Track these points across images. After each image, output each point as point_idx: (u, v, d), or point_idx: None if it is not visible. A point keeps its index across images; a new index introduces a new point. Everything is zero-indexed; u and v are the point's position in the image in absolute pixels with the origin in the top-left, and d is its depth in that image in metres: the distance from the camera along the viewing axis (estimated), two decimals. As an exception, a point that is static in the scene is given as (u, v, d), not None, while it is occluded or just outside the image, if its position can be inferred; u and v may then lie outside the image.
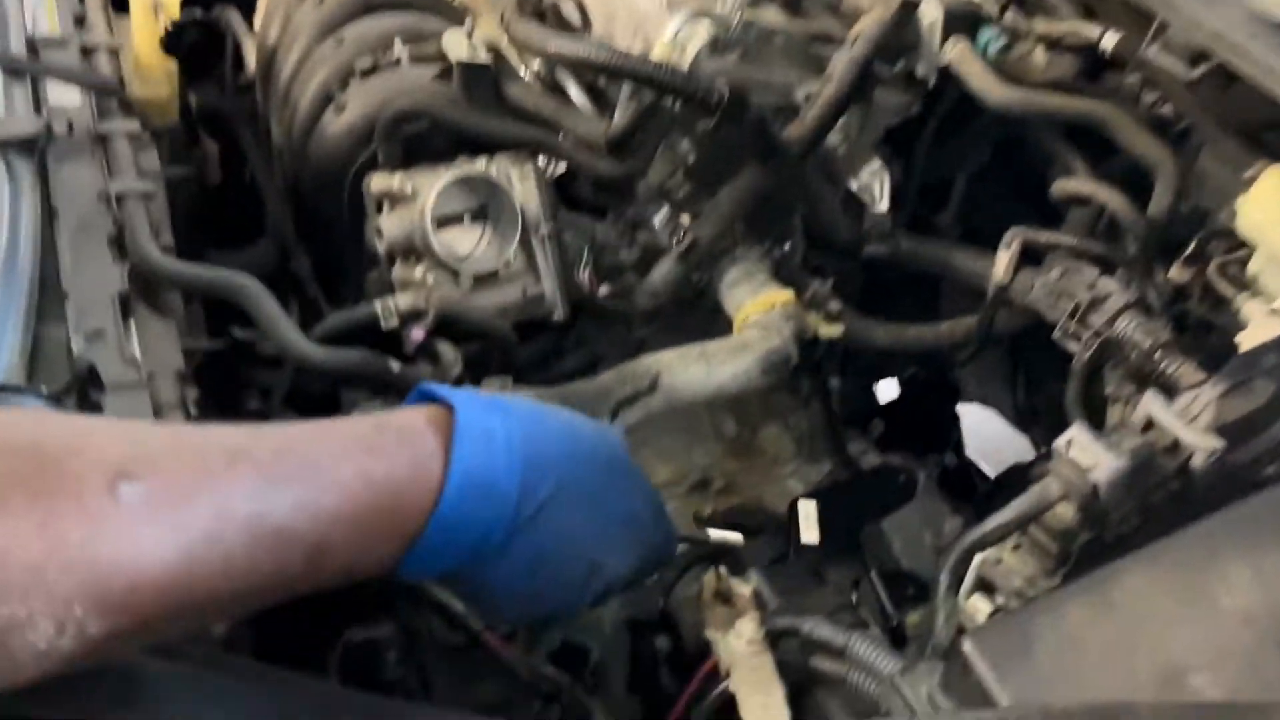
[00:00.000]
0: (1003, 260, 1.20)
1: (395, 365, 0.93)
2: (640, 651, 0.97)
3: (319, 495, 0.60)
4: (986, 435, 2.09)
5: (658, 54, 1.13)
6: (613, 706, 0.81)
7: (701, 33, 1.13)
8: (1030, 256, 1.22)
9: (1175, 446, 0.75)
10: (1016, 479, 1.69)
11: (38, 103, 1.08)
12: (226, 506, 0.56)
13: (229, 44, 1.55)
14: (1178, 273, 1.11)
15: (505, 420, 0.68)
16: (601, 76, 1.17)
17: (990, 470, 2.08)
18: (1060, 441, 0.72)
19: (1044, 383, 1.71)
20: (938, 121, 1.38)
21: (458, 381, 1.08)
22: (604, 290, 1.27)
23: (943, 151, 1.45)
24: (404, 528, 0.64)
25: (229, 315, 1.51)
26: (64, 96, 1.11)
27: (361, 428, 0.65)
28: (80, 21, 1.25)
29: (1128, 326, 1.09)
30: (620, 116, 1.13)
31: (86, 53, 1.20)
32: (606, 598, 0.76)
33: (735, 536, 1.18)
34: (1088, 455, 0.70)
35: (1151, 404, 0.76)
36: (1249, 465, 0.77)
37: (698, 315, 1.36)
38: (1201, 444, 0.73)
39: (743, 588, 0.78)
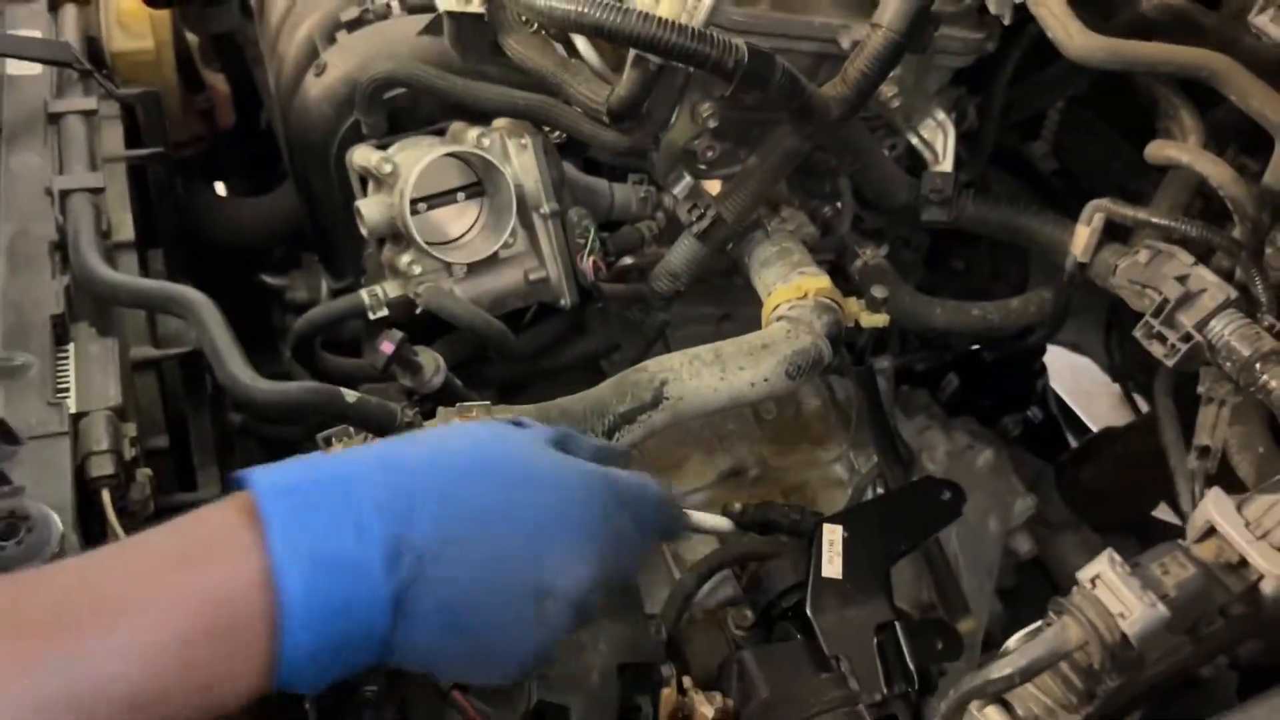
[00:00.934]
0: (1081, 237, 1.03)
1: (350, 396, 0.83)
2: (631, 702, 0.88)
3: (120, 645, 0.51)
4: (1073, 364, 1.90)
5: (666, 5, 0.96)
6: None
7: (720, -21, 0.96)
8: (1118, 230, 1.04)
9: (1242, 564, 0.60)
10: (1106, 446, 1.53)
11: (-9, 78, 0.99)
12: None
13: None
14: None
15: (336, 473, 0.58)
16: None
17: (1084, 413, 1.91)
18: (1085, 575, 0.57)
19: (1142, 341, 1.52)
20: (1020, 58, 1.18)
21: (442, 390, 0.98)
22: (625, 261, 1.14)
23: (1029, 86, 1.25)
24: (249, 644, 0.54)
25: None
26: (22, 67, 1.02)
27: (157, 549, 0.55)
28: (49, -30, 1.14)
29: (1224, 329, 0.92)
30: (624, 83, 0.97)
31: (54, 6, 1.10)
32: (586, 613, 0.65)
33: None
34: (1118, 599, 0.55)
35: (1215, 510, 0.60)
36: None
37: (730, 286, 1.23)
38: (1275, 569, 0.58)
39: (706, 707, 0.67)
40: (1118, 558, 0.57)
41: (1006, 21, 1.07)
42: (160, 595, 0.53)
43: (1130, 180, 1.24)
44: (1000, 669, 0.58)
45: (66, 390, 0.81)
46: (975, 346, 1.53)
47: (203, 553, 0.54)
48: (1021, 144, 1.44)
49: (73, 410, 0.80)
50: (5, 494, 0.69)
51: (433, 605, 0.58)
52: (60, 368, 0.83)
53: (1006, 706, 0.67)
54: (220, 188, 1.59)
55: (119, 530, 0.77)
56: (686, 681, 0.71)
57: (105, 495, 0.77)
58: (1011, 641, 0.62)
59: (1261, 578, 0.59)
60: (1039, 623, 0.63)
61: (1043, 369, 1.67)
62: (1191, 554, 0.59)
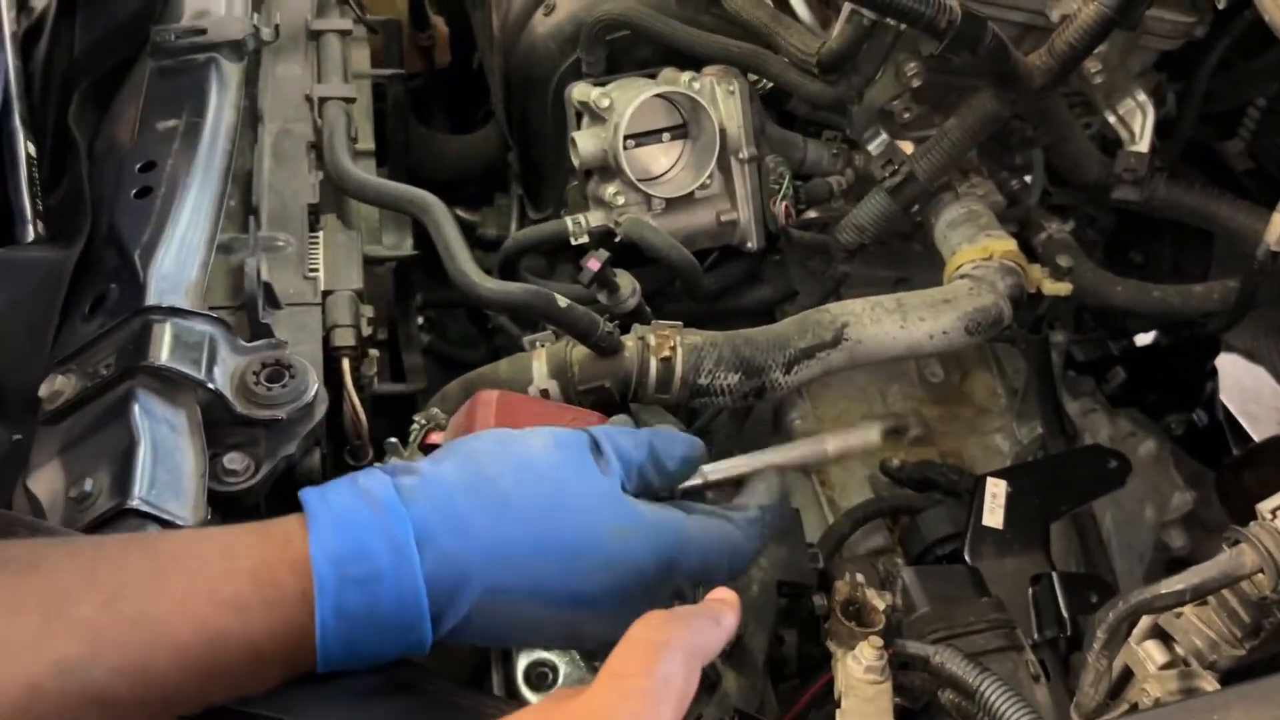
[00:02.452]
0: (1276, 225, 1.03)
1: (563, 301, 0.91)
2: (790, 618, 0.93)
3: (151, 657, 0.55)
4: (1251, 389, 1.87)
5: (884, -34, 1.00)
6: (745, 686, 0.77)
7: (940, -59, 0.99)
8: (1316, 220, 1.03)
9: None
10: (1272, 453, 1.50)
11: (259, -4, 1.10)
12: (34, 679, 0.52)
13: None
14: None
15: (391, 530, 0.59)
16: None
17: (1252, 430, 1.87)
18: (1266, 506, 0.60)
19: (1323, 349, 1.49)
20: (1229, 45, 1.17)
21: (635, 313, 1.05)
22: (810, 214, 1.19)
23: (1234, 75, 1.25)
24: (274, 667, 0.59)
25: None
26: (287, -14, 1.13)
27: (209, 580, 0.58)
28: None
29: None
30: (837, 36, 1.02)
31: (316, -61, 1.21)
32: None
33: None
34: (1299, 529, 0.58)
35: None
36: None
37: (908, 252, 1.26)
38: None
39: (878, 600, 0.72)
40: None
41: (1221, 6, 1.07)
42: (214, 564, 0.58)
43: (1331, 184, 1.22)
44: (1171, 584, 0.62)
45: (316, 270, 0.91)
46: (1143, 341, 1.52)
47: (250, 602, 0.57)
48: (1216, 141, 1.43)
49: (323, 287, 0.90)
50: (272, 345, 0.79)
51: (476, 640, 0.65)
52: (312, 251, 0.93)
53: (1166, 640, 0.70)
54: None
55: (354, 396, 0.87)
56: (859, 577, 0.76)
57: (345, 363, 0.87)
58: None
59: None
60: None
61: (1213, 371, 1.64)
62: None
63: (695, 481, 0.76)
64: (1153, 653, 0.69)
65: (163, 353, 0.72)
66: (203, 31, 0.95)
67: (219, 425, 0.75)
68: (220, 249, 0.86)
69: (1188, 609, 0.68)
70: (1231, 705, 0.55)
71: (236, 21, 0.98)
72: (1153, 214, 1.17)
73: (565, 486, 0.65)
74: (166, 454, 0.69)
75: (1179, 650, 0.69)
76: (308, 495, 0.61)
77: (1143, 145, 1.14)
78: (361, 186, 0.97)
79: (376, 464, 0.80)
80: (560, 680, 0.74)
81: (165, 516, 0.66)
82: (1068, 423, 1.25)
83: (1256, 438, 1.85)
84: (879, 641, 0.66)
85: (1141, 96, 1.14)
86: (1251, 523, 0.62)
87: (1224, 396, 1.78)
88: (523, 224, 1.39)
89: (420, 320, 1.43)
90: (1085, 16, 1.01)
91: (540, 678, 0.75)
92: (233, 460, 0.73)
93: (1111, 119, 1.15)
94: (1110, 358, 1.48)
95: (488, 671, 0.76)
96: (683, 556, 0.66)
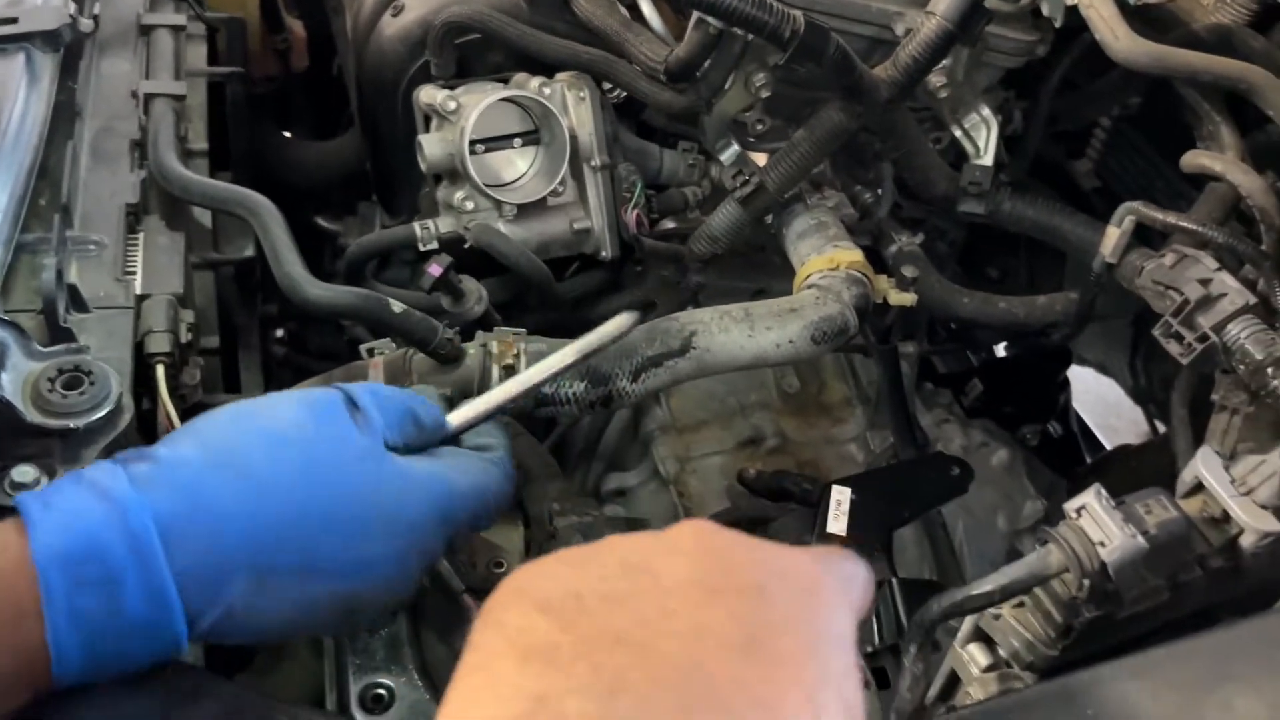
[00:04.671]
0: (1111, 238, 1.06)
1: (398, 307, 0.88)
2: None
3: None
4: (1112, 404, 1.93)
5: (731, -24, 1.01)
6: None
7: (785, -48, 1.00)
8: (1149, 235, 1.07)
9: (1225, 518, 0.63)
10: (1119, 462, 1.55)
11: (93, -16, 1.05)
12: None
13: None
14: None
15: (128, 524, 0.54)
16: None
17: (1104, 439, 1.93)
18: (1071, 505, 0.61)
19: (1165, 359, 1.54)
20: (1071, 64, 1.21)
21: (481, 319, 1.03)
22: (666, 225, 1.19)
23: (1079, 96, 1.28)
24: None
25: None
26: (120, -21, 1.08)
27: None
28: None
29: (1240, 333, 0.95)
30: (684, 44, 1.02)
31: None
32: (395, 606, 0.66)
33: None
34: (1100, 528, 0.59)
35: (1204, 465, 0.64)
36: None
37: (766, 262, 1.27)
38: (1254, 523, 0.61)
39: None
40: (1104, 492, 0.60)
41: (1058, 24, 1.10)
42: None
43: (1171, 203, 1.26)
44: (982, 585, 0.62)
45: (134, 272, 0.87)
46: (1000, 354, 1.56)
47: None
48: (1066, 160, 1.47)
49: (138, 291, 0.85)
50: (71, 350, 0.74)
51: (240, 635, 0.58)
52: (130, 253, 0.88)
53: (988, 642, 0.71)
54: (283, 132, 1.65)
55: (169, 405, 0.82)
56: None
57: (160, 370, 0.82)
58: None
59: (1241, 532, 0.62)
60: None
61: (1066, 383, 1.69)
62: (1175, 502, 0.62)
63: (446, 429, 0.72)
64: (976, 655, 0.70)
65: (-59, 358, 0.67)
66: (14, 20, 0.90)
67: (10, 435, 0.70)
68: (24, 249, 0.81)
69: (1006, 611, 0.68)
70: (1033, 707, 0.55)
71: (52, 11, 0.93)
72: (1001, 228, 1.19)
73: (324, 449, 0.60)
74: (-58, 467, 0.64)
75: (1000, 652, 0.70)
76: (24, 498, 0.56)
77: (987, 159, 1.16)
78: (186, 186, 0.93)
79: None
80: (397, 701, 0.71)
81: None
82: (919, 432, 1.26)
83: (1110, 447, 1.92)
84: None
85: (986, 112, 1.16)
86: (1060, 522, 0.62)
87: (1079, 408, 1.84)
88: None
89: (279, 333, 1.38)
90: (927, 30, 1.03)
91: (376, 700, 0.72)
92: (21, 473, 0.68)
93: (957, 133, 1.17)
94: (969, 370, 1.52)
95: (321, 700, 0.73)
96: (453, 506, 0.65)
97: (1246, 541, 0.61)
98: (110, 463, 0.58)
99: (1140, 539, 0.58)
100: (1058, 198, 1.44)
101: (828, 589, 0.45)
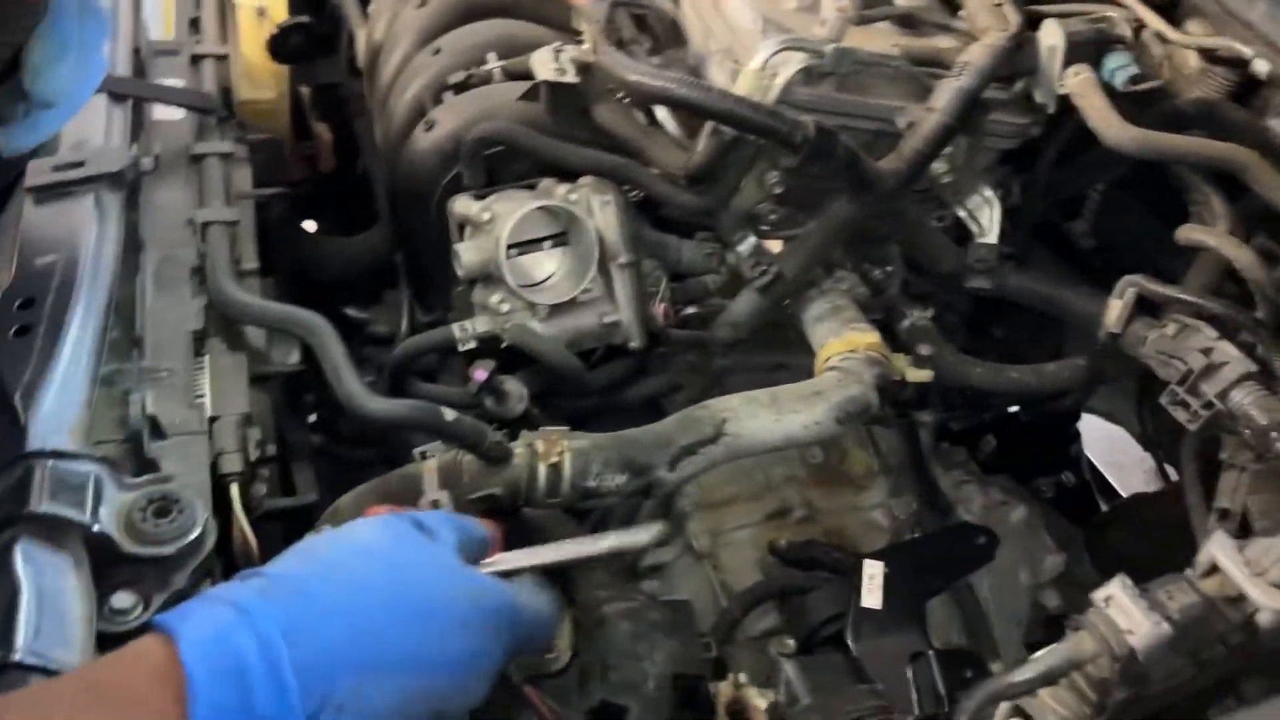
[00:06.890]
0: (1114, 309, 1.11)
1: (449, 414, 0.93)
2: (687, 708, 0.96)
3: None
4: (1110, 435, 1.97)
5: (742, 83, 1.08)
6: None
7: (793, 63, 1.07)
8: (1149, 305, 1.12)
9: (1241, 598, 0.68)
10: (1134, 511, 1.60)
11: (139, 120, 1.12)
12: None
13: (344, 29, 1.56)
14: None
15: (255, 627, 0.60)
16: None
17: (1113, 476, 1.98)
18: (1099, 595, 0.66)
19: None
20: (1063, 143, 1.28)
21: (523, 417, 1.08)
22: (689, 310, 1.25)
23: (1073, 167, 1.35)
24: None
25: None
26: (166, 112, 1.14)
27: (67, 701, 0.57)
28: (195, 24, 1.28)
29: (1243, 399, 1.00)
30: (701, 150, 1.09)
31: (196, 60, 1.23)
32: (472, 706, 0.70)
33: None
34: (1127, 617, 0.64)
35: (1219, 548, 0.69)
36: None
37: (785, 339, 1.32)
38: (1270, 603, 0.66)
39: (759, 700, 0.76)
40: (1129, 581, 0.65)
41: (1051, 110, 1.17)
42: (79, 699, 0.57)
43: (1164, 259, 1.32)
44: (1022, 673, 0.67)
45: (202, 397, 0.92)
46: (1013, 409, 1.61)
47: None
48: (1063, 223, 1.54)
49: (209, 414, 0.91)
50: (158, 479, 0.80)
51: None
52: (197, 377, 0.94)
53: (1026, 717, 0.76)
54: (310, 225, 1.72)
55: (244, 522, 0.88)
56: (742, 677, 0.80)
57: (234, 489, 0.88)
58: (1034, 655, 0.70)
59: (1258, 610, 0.67)
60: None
61: (1077, 435, 1.74)
62: (1195, 585, 0.68)
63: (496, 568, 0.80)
64: (1016, 732, 0.75)
65: (44, 499, 0.73)
66: (80, 164, 0.96)
67: (107, 564, 0.75)
68: (104, 382, 0.87)
69: (1043, 691, 0.73)
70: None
71: (115, 153, 1.00)
72: (1004, 300, 1.25)
73: (406, 556, 0.70)
74: (51, 601, 0.69)
75: (1039, 727, 0.74)
76: (161, 617, 0.63)
77: (991, 237, 1.22)
78: (245, 310, 0.99)
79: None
80: None
81: (52, 666, 0.66)
82: (941, 497, 1.32)
83: (1122, 489, 1.97)
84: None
85: (988, 192, 1.22)
86: (1089, 610, 0.68)
87: (1090, 452, 1.89)
88: (413, 321, 1.42)
89: (313, 418, 1.43)
90: (927, 125, 1.09)
91: None
92: (121, 600, 0.74)
93: (962, 214, 1.23)
94: (982, 425, 1.57)
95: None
96: (517, 618, 0.72)
97: (1263, 619, 0.67)
98: (226, 584, 0.67)
99: (1165, 625, 0.63)
100: (1056, 260, 1.51)
101: None
